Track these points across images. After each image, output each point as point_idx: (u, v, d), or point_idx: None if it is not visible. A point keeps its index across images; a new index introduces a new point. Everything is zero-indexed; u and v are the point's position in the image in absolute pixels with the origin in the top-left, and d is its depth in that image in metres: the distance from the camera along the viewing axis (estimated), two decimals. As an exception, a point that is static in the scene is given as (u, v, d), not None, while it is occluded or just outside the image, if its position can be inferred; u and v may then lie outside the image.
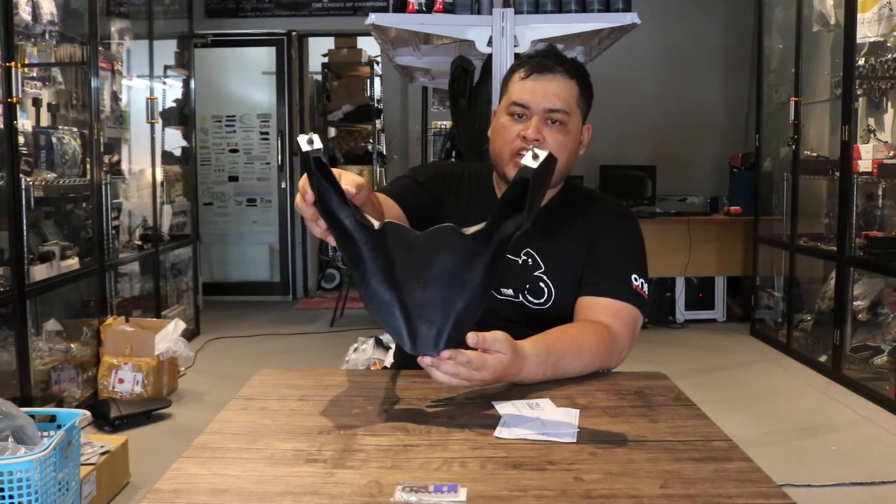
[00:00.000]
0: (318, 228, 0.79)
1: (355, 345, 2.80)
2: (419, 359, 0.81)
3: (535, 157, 0.77)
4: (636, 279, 1.08)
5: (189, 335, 3.64)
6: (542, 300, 1.11)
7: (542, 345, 0.94)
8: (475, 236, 0.78)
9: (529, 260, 1.13)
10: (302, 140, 0.74)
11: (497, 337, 0.85)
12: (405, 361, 1.12)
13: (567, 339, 0.98)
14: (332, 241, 0.79)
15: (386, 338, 2.97)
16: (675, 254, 4.29)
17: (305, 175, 0.77)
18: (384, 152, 5.78)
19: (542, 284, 1.11)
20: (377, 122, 5.75)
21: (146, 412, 2.65)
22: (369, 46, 5.53)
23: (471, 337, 0.82)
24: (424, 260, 0.78)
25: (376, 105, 5.80)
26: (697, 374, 3.36)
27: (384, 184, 5.44)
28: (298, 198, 0.79)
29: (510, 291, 1.12)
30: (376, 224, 0.78)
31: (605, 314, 1.05)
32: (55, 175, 2.60)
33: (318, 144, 0.74)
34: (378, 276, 0.78)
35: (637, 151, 4.84)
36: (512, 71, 1.15)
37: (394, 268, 0.78)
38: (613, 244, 1.12)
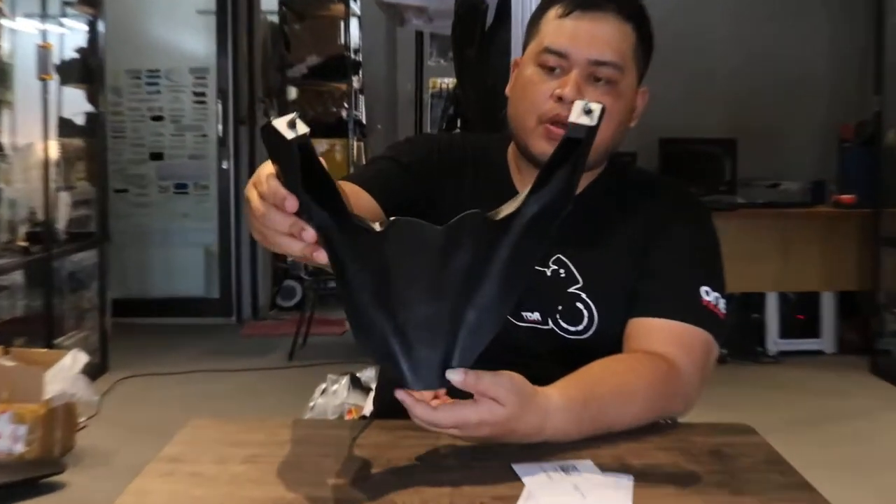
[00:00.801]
0: (299, 244, 0.79)
1: (323, 385, 2.79)
2: (396, 392, 0.83)
3: (589, 111, 0.78)
4: (708, 293, 1.09)
5: (93, 372, 3.62)
6: (579, 326, 1.12)
7: (575, 391, 0.94)
8: (503, 222, 0.80)
9: (561, 271, 1.13)
10: (280, 124, 0.74)
11: (500, 381, 0.85)
12: (392, 407, 1.12)
13: (612, 379, 0.98)
14: (321, 259, 0.79)
15: (365, 375, 2.96)
16: (764, 260, 4.27)
17: (268, 172, 0.79)
18: (364, 121, 5.78)
19: (579, 305, 1.12)
20: (354, 79, 5.75)
21: (30, 480, 2.63)
22: (343, -25, 5.53)
23: (455, 375, 0.82)
24: (437, 263, 0.79)
25: (353, 56, 5.80)
26: (797, 428, 3.35)
27: (362, 164, 5.43)
28: (262, 206, 0.78)
29: (536, 315, 1.13)
30: (377, 225, 0.79)
31: (666, 342, 1.06)
32: None
33: (302, 128, 0.74)
34: (367, 294, 0.80)
35: (711, 120, 4.84)
36: (545, 7, 1.16)
37: (388, 282, 0.80)
38: (676, 245, 1.13)
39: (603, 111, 0.80)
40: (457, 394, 0.85)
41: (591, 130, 0.79)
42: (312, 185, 0.77)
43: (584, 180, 1.16)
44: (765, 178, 4.75)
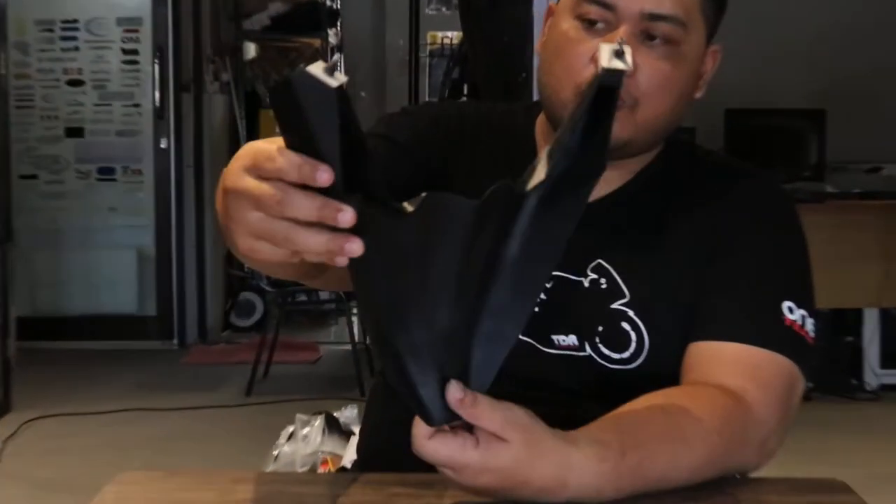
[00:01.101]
0: (324, 237, 0.77)
1: (291, 428, 2.78)
2: (447, 391, 0.83)
3: (620, 53, 0.82)
4: (792, 310, 1.09)
5: (-7, 411, 3.63)
6: (625, 353, 1.12)
7: (611, 435, 0.93)
8: (524, 196, 0.81)
9: (603, 281, 1.14)
10: (317, 70, 0.74)
11: (498, 408, 0.85)
12: (382, 456, 1.13)
13: (661, 419, 0.98)
14: (352, 252, 0.77)
15: (345, 416, 2.96)
16: (861, 267, 4.26)
17: (275, 146, 0.79)
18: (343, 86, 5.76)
19: (625, 325, 1.13)
20: (331, 33, 5.76)
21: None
22: None
23: (455, 391, 0.83)
24: (462, 251, 0.80)
25: (329, 3, 5.81)
26: (904, 484, 3.35)
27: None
28: (277, 190, 0.76)
29: (571, 339, 1.14)
30: (408, 205, 0.80)
31: (736, 372, 1.06)
32: None
33: (341, 78, 0.75)
34: (382, 298, 0.82)
35: (791, 86, 4.83)
36: None
37: (406, 281, 0.81)
38: (753, 249, 1.14)
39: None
40: None
41: (621, 76, 0.83)
42: (345, 154, 0.77)
43: (633, 167, 1.18)
44: (862, 160, 4.75)
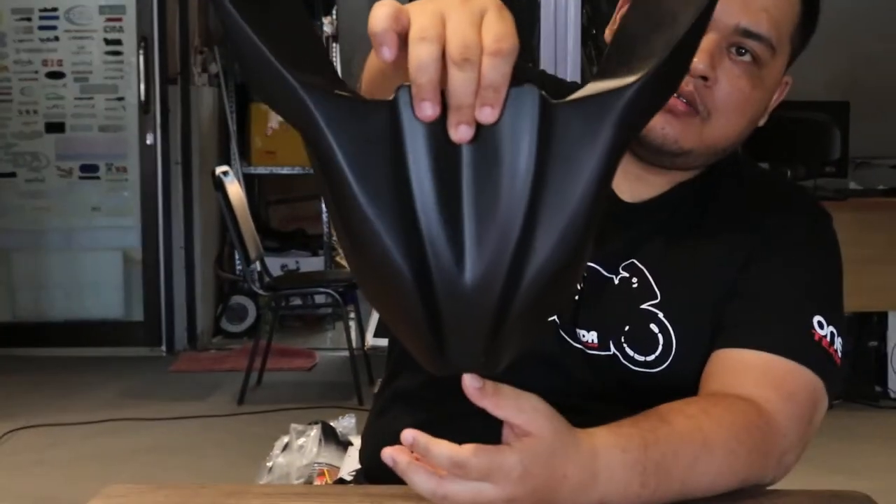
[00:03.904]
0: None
1: (286, 438, 2.80)
2: (464, 380, 0.80)
3: None
4: (822, 325, 1.11)
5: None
6: (650, 355, 1.14)
7: (629, 429, 0.94)
8: (583, 105, 0.72)
9: (634, 280, 1.16)
10: None
11: (521, 396, 0.84)
12: (382, 466, 1.13)
13: (681, 420, 0.99)
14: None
15: (342, 425, 2.97)
16: (885, 269, 4.25)
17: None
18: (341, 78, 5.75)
19: (653, 327, 1.14)
20: (325, 21, 5.75)
21: None
22: None
23: (470, 381, 0.80)
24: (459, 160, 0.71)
25: (324, -14, 5.79)
26: (930, 496, 3.36)
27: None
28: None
29: (592, 336, 1.15)
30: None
31: (759, 383, 1.07)
32: None
33: None
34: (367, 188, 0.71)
35: (813, 76, 4.81)
36: None
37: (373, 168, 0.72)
38: (786, 263, 1.16)
39: None
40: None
41: None
42: None
43: (679, 178, 1.20)
44: (887, 155, 4.74)
